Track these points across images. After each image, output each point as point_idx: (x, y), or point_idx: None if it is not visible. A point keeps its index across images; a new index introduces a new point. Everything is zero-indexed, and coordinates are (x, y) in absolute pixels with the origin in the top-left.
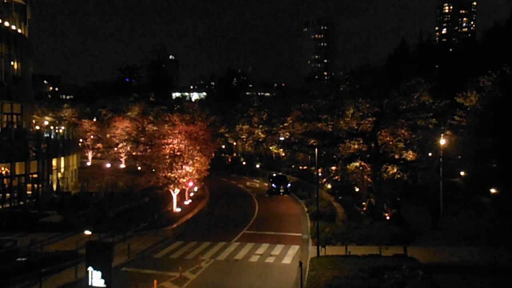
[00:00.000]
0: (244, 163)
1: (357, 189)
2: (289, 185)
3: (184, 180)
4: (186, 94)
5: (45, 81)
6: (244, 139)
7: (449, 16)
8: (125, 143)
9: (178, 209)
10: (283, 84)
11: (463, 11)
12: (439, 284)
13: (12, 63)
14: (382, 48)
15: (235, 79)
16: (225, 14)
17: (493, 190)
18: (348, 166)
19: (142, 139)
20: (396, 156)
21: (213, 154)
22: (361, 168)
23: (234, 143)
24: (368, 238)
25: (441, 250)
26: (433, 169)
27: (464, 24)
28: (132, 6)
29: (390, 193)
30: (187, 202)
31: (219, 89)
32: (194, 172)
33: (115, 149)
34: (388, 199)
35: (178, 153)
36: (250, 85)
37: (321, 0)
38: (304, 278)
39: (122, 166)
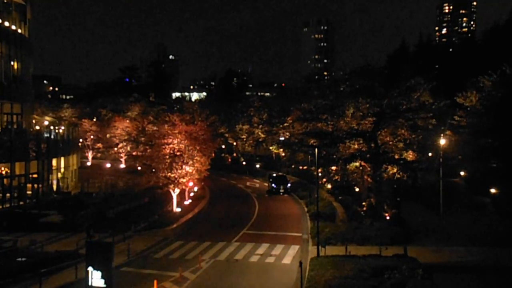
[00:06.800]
0: (244, 163)
1: (357, 189)
2: (289, 185)
3: (184, 180)
4: (186, 94)
5: (45, 81)
6: (244, 139)
7: (449, 16)
8: (125, 143)
9: (178, 209)
10: (283, 84)
11: (463, 11)
12: (439, 284)
13: (12, 63)
14: (382, 48)
15: (235, 79)
16: (225, 14)
17: (493, 190)
18: (348, 166)
19: (142, 139)
20: (396, 156)
21: (213, 154)
22: (361, 168)
23: (234, 143)
24: (368, 238)
25: (441, 250)
26: (433, 169)
27: (464, 24)
28: (132, 6)
29: (390, 193)
30: (187, 202)
31: (219, 89)
32: (194, 172)
33: (115, 149)
34: (388, 199)
35: (178, 153)
36: (250, 85)
37: (321, 0)
38: (304, 278)
39: (122, 166)
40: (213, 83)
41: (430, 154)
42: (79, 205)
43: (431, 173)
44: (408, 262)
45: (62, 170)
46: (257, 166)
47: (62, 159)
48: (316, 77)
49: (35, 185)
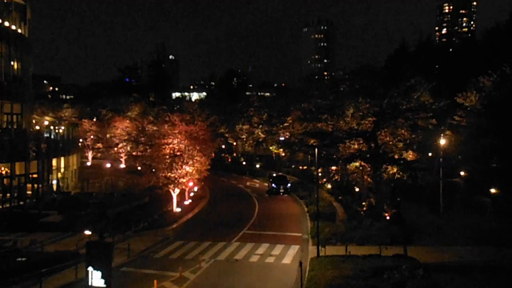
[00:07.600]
0: (244, 163)
1: (357, 189)
2: (289, 185)
3: (184, 180)
4: (186, 94)
5: (45, 81)
6: (244, 139)
7: (449, 16)
8: (125, 143)
9: (178, 209)
10: (283, 84)
11: (463, 11)
12: (439, 284)
13: (12, 63)
14: (382, 48)
15: (235, 79)
16: (225, 14)
17: (493, 190)
18: (348, 166)
19: (142, 139)
20: (396, 156)
21: (213, 154)
22: (361, 168)
23: (234, 143)
24: (368, 238)
25: (441, 250)
26: (433, 169)
27: (464, 24)
28: (133, 6)
29: (390, 193)
30: (187, 202)
31: (219, 89)
32: (194, 172)
33: (115, 149)
34: (388, 199)
35: (178, 153)
36: (250, 85)
37: (321, 0)
38: (304, 278)
39: (122, 166)
40: (213, 83)
41: (430, 154)
42: (79, 205)
43: (431, 173)
44: (408, 262)
45: (62, 170)
46: (257, 166)
47: (62, 159)
48: (316, 77)
49: (35, 185)
